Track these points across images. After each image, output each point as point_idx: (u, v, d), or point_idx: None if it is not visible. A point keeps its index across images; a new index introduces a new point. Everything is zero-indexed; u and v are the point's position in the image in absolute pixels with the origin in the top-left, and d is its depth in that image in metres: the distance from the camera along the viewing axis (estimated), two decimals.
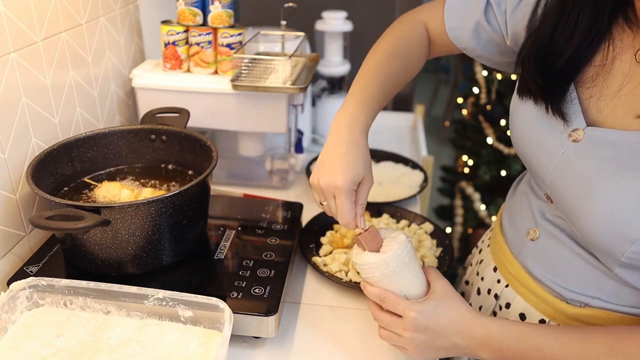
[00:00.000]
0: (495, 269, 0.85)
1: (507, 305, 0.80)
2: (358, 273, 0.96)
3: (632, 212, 0.58)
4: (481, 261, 0.91)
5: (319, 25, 1.48)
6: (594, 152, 0.63)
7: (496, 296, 0.83)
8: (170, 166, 1.03)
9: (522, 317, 0.78)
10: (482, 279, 0.88)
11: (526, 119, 0.72)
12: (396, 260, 0.70)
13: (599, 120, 0.65)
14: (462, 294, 1.00)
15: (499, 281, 0.83)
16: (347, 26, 1.48)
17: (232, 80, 1.09)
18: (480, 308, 0.86)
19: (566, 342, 0.64)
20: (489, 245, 0.90)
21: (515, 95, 0.76)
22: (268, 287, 0.83)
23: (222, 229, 0.98)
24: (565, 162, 0.66)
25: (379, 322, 0.73)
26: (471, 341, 0.68)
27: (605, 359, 0.61)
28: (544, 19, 0.67)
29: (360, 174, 0.72)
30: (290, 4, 1.16)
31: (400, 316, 0.70)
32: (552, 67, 0.66)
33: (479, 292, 0.88)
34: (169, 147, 1.01)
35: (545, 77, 0.67)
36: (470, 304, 0.89)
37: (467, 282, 0.97)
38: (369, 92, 0.79)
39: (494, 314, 0.83)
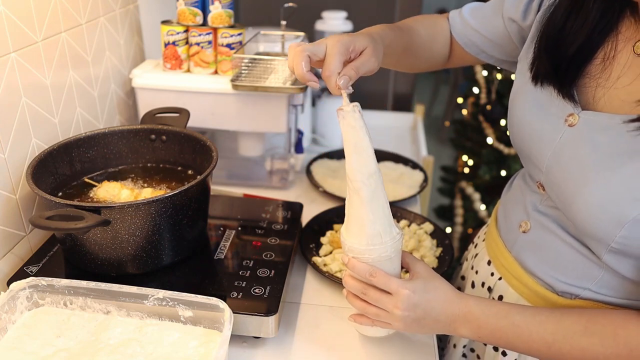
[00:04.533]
0: (489, 263, 0.86)
1: (500, 298, 0.81)
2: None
3: (623, 196, 0.60)
4: (476, 255, 0.92)
5: (319, 25, 1.48)
6: (588, 137, 0.65)
7: (489, 289, 0.84)
8: (170, 166, 1.03)
9: None
10: (477, 272, 0.89)
11: (526, 107, 0.74)
12: (395, 246, 0.71)
13: (596, 108, 0.66)
14: (458, 289, 1.00)
15: (492, 274, 0.84)
16: (347, 26, 1.48)
17: (232, 80, 1.09)
18: None
19: (543, 321, 0.66)
20: (484, 240, 0.91)
21: (515, 86, 0.78)
22: (268, 287, 0.83)
23: (222, 229, 0.98)
24: (562, 147, 0.67)
25: (367, 298, 0.72)
26: (453, 318, 0.69)
27: (579, 338, 0.64)
28: (557, 6, 0.69)
29: (361, 42, 0.71)
30: (290, 4, 1.16)
31: (388, 293, 0.70)
32: (564, 53, 0.68)
33: (473, 285, 0.89)
34: (169, 147, 1.01)
35: (557, 62, 0.69)
36: None
37: (462, 277, 0.98)
38: (382, 28, 0.80)
39: None
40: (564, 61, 0.68)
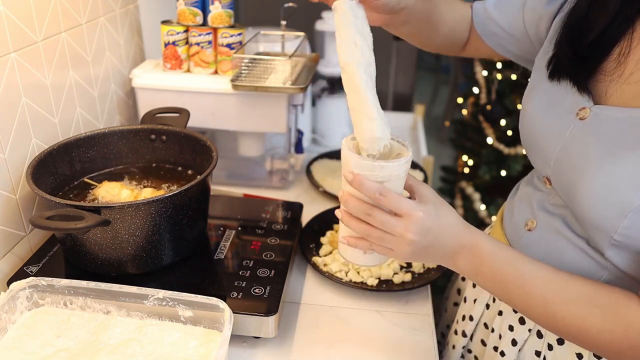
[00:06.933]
0: None
1: None
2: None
3: (626, 185, 0.60)
4: None
5: (319, 26, 1.48)
6: (598, 129, 0.65)
7: None
8: (170, 166, 1.03)
9: None
10: None
11: (538, 103, 0.74)
12: (408, 164, 0.65)
13: (607, 103, 0.67)
14: (458, 290, 1.01)
15: None
16: None
17: (232, 80, 1.09)
18: (475, 301, 0.87)
19: (548, 278, 0.64)
20: None
21: (530, 83, 0.78)
22: (268, 287, 0.83)
23: (222, 229, 0.98)
24: (571, 140, 0.68)
25: (371, 220, 0.65)
26: (459, 248, 0.66)
27: (580, 306, 0.63)
28: (579, 0, 0.70)
29: None
30: (290, 4, 1.16)
31: (397, 216, 0.64)
32: (584, 41, 0.68)
33: (474, 286, 0.89)
34: (169, 147, 1.01)
35: (576, 52, 0.69)
36: (466, 297, 0.91)
37: (463, 279, 0.98)
38: None
39: (487, 306, 0.84)
40: (582, 51, 0.68)
